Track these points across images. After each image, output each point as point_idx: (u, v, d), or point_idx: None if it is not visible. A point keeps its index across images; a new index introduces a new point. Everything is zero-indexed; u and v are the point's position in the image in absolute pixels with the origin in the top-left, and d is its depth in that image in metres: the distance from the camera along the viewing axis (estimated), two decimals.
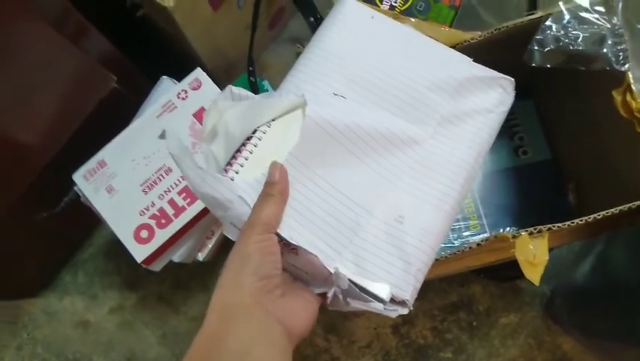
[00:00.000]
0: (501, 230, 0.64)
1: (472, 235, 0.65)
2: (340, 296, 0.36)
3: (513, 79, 0.42)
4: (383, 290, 0.35)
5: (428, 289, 0.76)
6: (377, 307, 0.35)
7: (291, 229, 0.36)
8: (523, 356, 0.73)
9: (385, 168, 0.39)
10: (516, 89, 0.43)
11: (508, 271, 0.68)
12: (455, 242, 0.64)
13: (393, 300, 0.36)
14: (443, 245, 0.64)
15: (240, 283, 0.33)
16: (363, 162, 0.39)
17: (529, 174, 0.66)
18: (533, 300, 0.74)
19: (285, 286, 0.36)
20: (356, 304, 0.36)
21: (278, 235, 0.36)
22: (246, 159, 0.38)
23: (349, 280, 0.36)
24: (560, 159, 0.65)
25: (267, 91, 0.73)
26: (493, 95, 0.42)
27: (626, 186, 0.49)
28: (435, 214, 0.38)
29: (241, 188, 0.36)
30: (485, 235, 0.64)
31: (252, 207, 0.36)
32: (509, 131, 0.68)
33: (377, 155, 0.39)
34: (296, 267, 0.38)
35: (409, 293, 0.36)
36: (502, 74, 0.42)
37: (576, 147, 0.61)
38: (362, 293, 0.36)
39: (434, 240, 0.38)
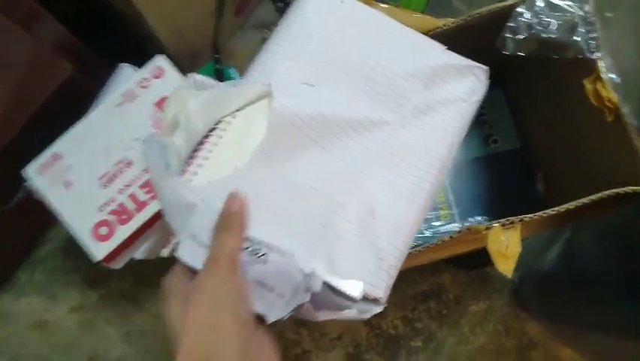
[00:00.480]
0: (471, 219, 0.64)
1: (442, 225, 0.64)
2: (311, 305, 0.34)
3: (487, 67, 0.41)
4: (355, 288, 0.34)
5: (399, 279, 0.75)
6: (349, 315, 0.34)
7: (262, 231, 0.34)
8: (492, 343, 0.74)
9: (356, 159, 0.37)
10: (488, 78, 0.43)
11: (477, 259, 0.68)
12: (426, 232, 0.64)
13: (365, 298, 0.35)
14: None
15: (221, 331, 0.30)
16: (333, 154, 0.37)
17: (499, 162, 0.66)
18: (502, 287, 0.75)
19: (257, 330, 0.33)
20: (327, 315, 0.34)
21: (247, 238, 0.34)
22: (210, 152, 0.36)
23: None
24: (529, 148, 0.66)
25: (234, 79, 0.70)
26: (466, 83, 0.41)
27: (596, 175, 0.50)
28: (408, 207, 0.37)
29: (205, 191, 0.34)
30: (456, 224, 0.64)
31: (217, 213, 0.33)
32: (479, 119, 0.67)
33: (347, 146, 0.37)
34: (262, 283, 0.34)
35: (382, 290, 0.35)
36: (475, 63, 0.41)
37: (546, 136, 0.61)
38: (333, 294, 0.34)
39: (407, 234, 0.36)
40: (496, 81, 0.67)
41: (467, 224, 0.64)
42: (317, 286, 0.34)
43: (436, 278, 0.76)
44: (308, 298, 0.34)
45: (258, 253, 0.34)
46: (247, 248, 0.34)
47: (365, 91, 0.39)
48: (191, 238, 0.34)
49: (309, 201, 0.36)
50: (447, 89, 0.40)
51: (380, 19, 0.42)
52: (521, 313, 0.74)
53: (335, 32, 0.40)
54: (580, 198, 0.41)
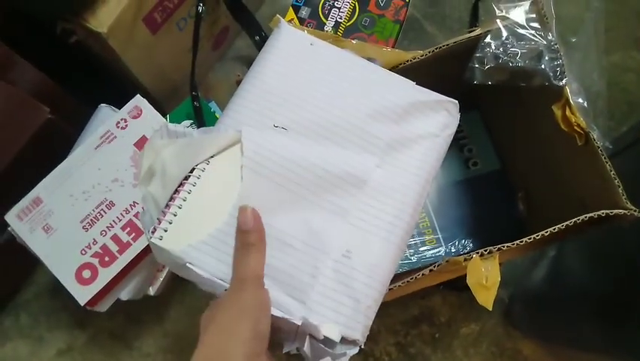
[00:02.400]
0: (456, 242, 0.65)
1: (428, 250, 0.64)
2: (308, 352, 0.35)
3: (457, 101, 0.41)
4: (332, 331, 0.34)
5: (389, 304, 0.75)
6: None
7: None
8: None
9: (333, 204, 0.37)
10: (462, 101, 0.43)
11: (467, 280, 0.68)
12: (412, 258, 0.64)
13: (343, 340, 0.34)
14: (400, 261, 0.64)
15: (236, 337, 0.31)
16: (310, 201, 0.37)
17: (481, 185, 0.67)
18: (492, 307, 0.75)
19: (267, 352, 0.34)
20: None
21: None
22: (184, 200, 0.36)
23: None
24: (509, 169, 0.66)
25: (214, 113, 0.71)
26: (438, 118, 0.41)
27: (571, 197, 0.50)
28: (384, 247, 0.37)
29: (188, 254, 0.35)
30: (442, 248, 0.64)
31: (207, 273, 0.35)
32: (458, 143, 0.68)
33: (323, 192, 0.37)
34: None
35: (359, 332, 0.35)
36: (446, 97, 0.41)
37: (523, 158, 0.62)
38: (313, 339, 0.34)
39: (384, 274, 0.36)
40: (472, 104, 0.68)
41: (452, 248, 0.64)
42: (317, 333, 0.34)
43: (426, 301, 0.75)
44: (306, 344, 0.34)
45: None
46: None
47: (337, 134, 0.39)
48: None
49: (290, 252, 0.36)
50: (419, 125, 0.40)
51: (349, 60, 0.42)
52: (514, 332, 0.74)
53: (306, 75, 0.41)
54: (559, 219, 0.42)
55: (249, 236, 0.34)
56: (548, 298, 0.66)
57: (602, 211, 0.40)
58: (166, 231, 0.35)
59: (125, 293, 0.58)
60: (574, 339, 0.61)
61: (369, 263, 0.36)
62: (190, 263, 0.35)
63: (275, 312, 0.34)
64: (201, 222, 0.35)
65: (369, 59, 0.43)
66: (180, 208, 0.35)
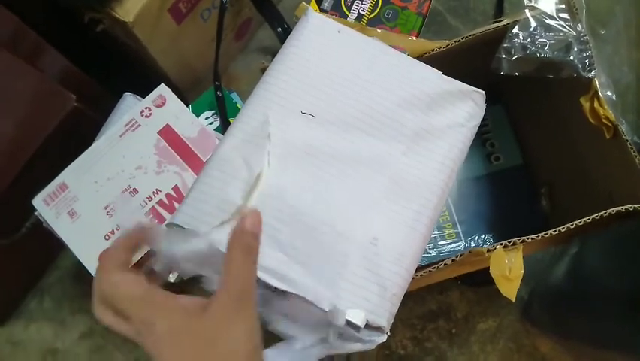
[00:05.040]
0: (476, 237, 0.64)
1: (448, 244, 0.64)
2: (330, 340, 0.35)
3: (483, 91, 0.41)
4: (357, 317, 0.34)
5: (407, 298, 0.75)
6: (354, 346, 0.34)
7: (276, 272, 0.35)
8: None
9: (360, 191, 0.37)
10: (486, 94, 0.42)
11: (485, 276, 0.68)
12: (431, 252, 0.64)
13: (368, 326, 0.35)
14: None
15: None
16: (338, 187, 0.37)
17: (503, 180, 0.66)
18: (511, 304, 0.74)
19: None
20: (337, 347, 0.35)
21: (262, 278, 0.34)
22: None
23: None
24: (532, 164, 0.65)
25: (236, 104, 0.71)
26: (464, 108, 0.41)
27: (597, 191, 0.49)
28: (410, 235, 0.37)
29: (211, 235, 0.34)
30: (461, 243, 0.64)
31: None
32: (480, 137, 0.67)
33: (349, 178, 0.37)
34: (287, 315, 0.35)
35: (385, 319, 0.35)
36: (472, 87, 0.41)
37: (548, 152, 0.61)
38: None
39: (409, 262, 0.36)
40: (496, 97, 0.68)
41: (472, 243, 0.64)
42: (341, 321, 0.34)
43: (444, 297, 0.75)
44: (332, 335, 0.34)
45: (276, 290, 0.35)
46: (268, 286, 0.35)
47: (364, 121, 0.39)
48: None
49: (318, 237, 0.36)
50: (446, 115, 0.40)
51: (376, 48, 0.42)
52: (532, 329, 0.73)
53: (333, 63, 0.41)
54: (583, 214, 0.41)
55: (254, 240, 0.30)
56: (569, 295, 0.65)
57: (629, 205, 0.39)
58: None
59: None
60: (594, 337, 0.60)
61: (395, 251, 0.36)
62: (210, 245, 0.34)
63: (304, 296, 0.34)
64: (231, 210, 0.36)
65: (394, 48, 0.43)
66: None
